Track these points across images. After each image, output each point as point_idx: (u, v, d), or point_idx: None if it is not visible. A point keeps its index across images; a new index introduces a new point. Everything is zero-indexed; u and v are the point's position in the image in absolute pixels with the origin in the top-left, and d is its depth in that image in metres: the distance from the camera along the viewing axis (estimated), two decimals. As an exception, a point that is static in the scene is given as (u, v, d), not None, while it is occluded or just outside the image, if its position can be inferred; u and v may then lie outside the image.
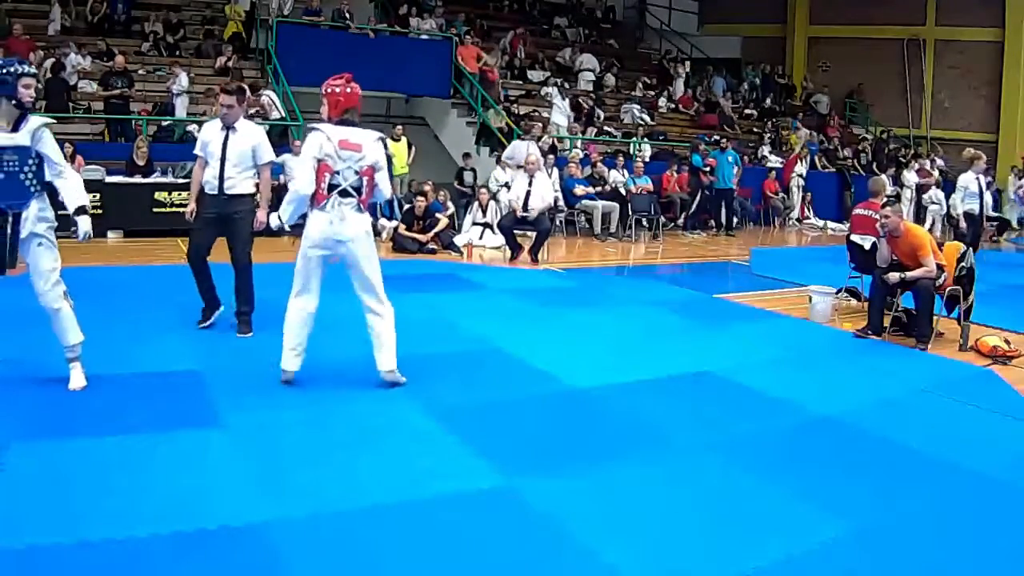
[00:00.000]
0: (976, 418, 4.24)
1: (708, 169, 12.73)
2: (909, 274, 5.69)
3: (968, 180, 8.38)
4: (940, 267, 5.79)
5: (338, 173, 3.93)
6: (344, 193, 3.94)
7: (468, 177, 12.11)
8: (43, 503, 2.76)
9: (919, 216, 13.89)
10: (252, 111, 11.28)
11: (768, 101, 18.10)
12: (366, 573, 2.48)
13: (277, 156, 10.67)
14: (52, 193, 3.89)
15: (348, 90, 4.01)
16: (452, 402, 4.04)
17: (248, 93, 7.48)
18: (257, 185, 5.31)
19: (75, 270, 6.92)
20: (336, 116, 3.99)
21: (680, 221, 13.03)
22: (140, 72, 11.78)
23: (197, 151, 5.20)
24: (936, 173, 14.91)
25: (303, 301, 4.19)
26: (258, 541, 2.62)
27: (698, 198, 12.83)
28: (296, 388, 4.12)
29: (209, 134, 5.10)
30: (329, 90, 4.01)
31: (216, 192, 5.09)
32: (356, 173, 3.94)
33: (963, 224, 8.29)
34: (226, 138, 5.03)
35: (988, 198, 8.93)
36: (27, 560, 2.42)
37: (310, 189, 3.96)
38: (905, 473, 3.46)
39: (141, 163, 9.48)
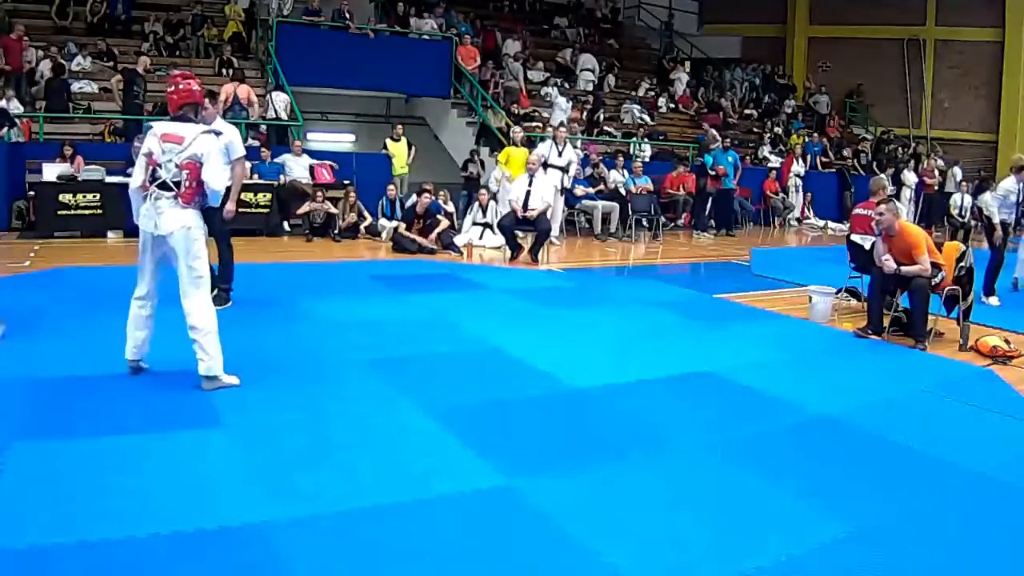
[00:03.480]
0: (976, 418, 4.24)
1: (714, 174, 12.66)
2: (904, 269, 5.70)
3: (1009, 187, 7.72)
4: (937, 266, 5.80)
5: (160, 166, 3.95)
6: (163, 186, 3.94)
7: (473, 169, 12.18)
8: (43, 503, 2.76)
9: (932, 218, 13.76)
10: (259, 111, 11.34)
11: (766, 100, 18.15)
12: (366, 573, 2.48)
13: (276, 156, 10.78)
14: None
15: (182, 86, 4.09)
16: (452, 402, 4.04)
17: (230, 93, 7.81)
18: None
19: (75, 270, 6.95)
20: (172, 112, 4.09)
21: (681, 221, 13.04)
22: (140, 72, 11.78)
23: None
24: (937, 175, 14.91)
25: (136, 291, 4.18)
26: (258, 541, 2.61)
27: (711, 199, 12.78)
28: (296, 388, 4.12)
29: None
30: (168, 89, 4.14)
31: None
32: (176, 166, 3.93)
33: (999, 232, 7.76)
34: None
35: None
36: (27, 560, 2.42)
37: (135, 184, 4.07)
38: (905, 473, 3.46)
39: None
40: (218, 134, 4.10)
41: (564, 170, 10.54)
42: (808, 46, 20.15)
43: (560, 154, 10.54)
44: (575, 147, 12.61)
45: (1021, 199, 7.77)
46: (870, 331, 5.89)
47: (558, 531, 2.78)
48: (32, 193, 9.09)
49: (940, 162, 15.97)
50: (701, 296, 7.42)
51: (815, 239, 13.31)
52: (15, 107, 9.80)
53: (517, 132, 10.91)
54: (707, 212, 12.81)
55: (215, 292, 5.74)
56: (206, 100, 5.47)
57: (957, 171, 15.44)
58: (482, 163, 12.38)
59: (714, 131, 14.12)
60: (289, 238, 10.03)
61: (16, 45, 10.75)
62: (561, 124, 11.84)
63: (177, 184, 3.94)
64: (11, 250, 8.07)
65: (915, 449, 3.72)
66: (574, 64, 16.25)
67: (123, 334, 4.42)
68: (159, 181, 3.95)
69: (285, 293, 6.50)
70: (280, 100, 11.57)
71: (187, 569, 2.43)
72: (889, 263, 5.73)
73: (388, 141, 11.76)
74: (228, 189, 5.53)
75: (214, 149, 3.99)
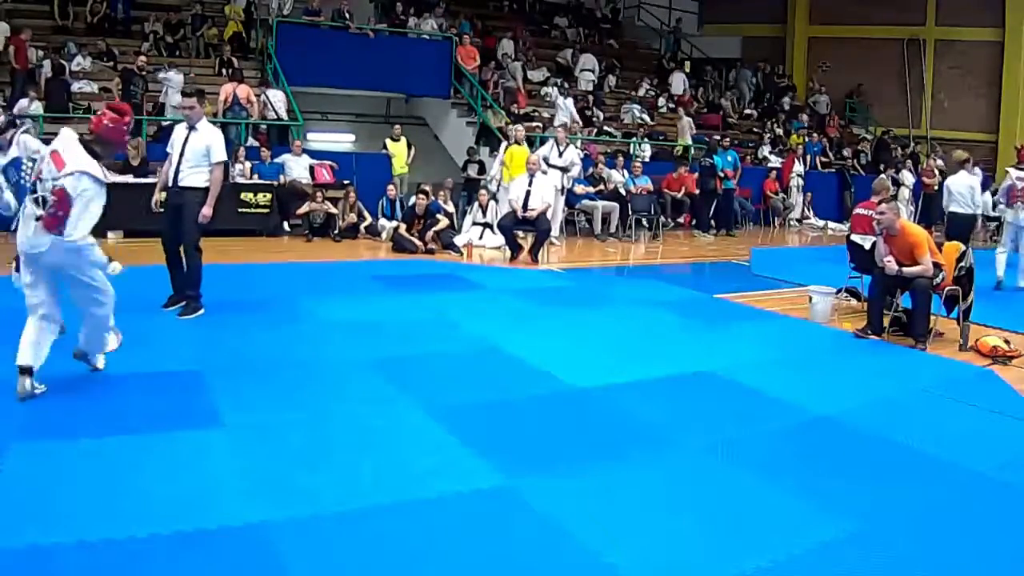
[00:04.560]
0: (976, 418, 4.24)
1: (723, 175, 12.65)
2: (906, 269, 5.70)
3: (965, 183, 8.01)
4: (938, 266, 5.80)
5: (41, 181, 3.74)
6: (35, 201, 3.71)
7: (472, 170, 12.20)
8: (43, 503, 2.76)
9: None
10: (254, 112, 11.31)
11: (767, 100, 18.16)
12: (366, 573, 2.48)
13: (276, 156, 10.77)
14: None
15: (106, 121, 4.04)
16: (452, 402, 4.04)
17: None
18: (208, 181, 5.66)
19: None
20: (90, 134, 4.01)
21: (680, 220, 13.04)
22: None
23: (168, 149, 5.78)
24: (937, 175, 14.88)
25: (30, 299, 3.86)
26: (258, 541, 2.62)
27: (716, 200, 12.78)
28: (296, 388, 4.12)
29: (176, 133, 5.68)
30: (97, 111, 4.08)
31: (172, 184, 5.61)
32: (51, 191, 3.67)
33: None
34: (187, 137, 5.55)
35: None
36: (27, 560, 2.42)
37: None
38: (905, 473, 3.46)
39: (135, 163, 9.48)
40: (99, 181, 3.83)
41: (565, 170, 10.54)
42: (808, 46, 20.13)
43: (561, 154, 10.53)
44: (576, 147, 12.62)
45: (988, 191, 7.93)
46: (870, 331, 5.89)
47: (558, 531, 2.79)
48: (32, 193, 9.07)
49: (940, 162, 15.95)
50: (701, 296, 7.42)
51: (815, 239, 13.31)
52: (35, 108, 9.75)
53: (519, 131, 10.87)
54: (712, 212, 12.82)
55: (183, 302, 5.55)
56: (194, 99, 5.59)
57: (976, 171, 15.47)
58: (481, 164, 12.37)
59: (689, 119, 14.09)
60: (289, 238, 10.02)
61: (23, 45, 10.76)
62: (563, 124, 11.82)
63: (45, 203, 3.66)
64: (11, 250, 8.06)
65: (915, 449, 3.72)
66: (574, 64, 16.23)
67: (123, 335, 4.43)
68: (36, 195, 3.72)
69: (285, 293, 6.50)
70: (277, 98, 11.55)
71: (187, 569, 2.43)
72: (891, 265, 5.73)
73: (388, 141, 11.75)
74: (206, 192, 5.51)
75: (90, 196, 3.75)
